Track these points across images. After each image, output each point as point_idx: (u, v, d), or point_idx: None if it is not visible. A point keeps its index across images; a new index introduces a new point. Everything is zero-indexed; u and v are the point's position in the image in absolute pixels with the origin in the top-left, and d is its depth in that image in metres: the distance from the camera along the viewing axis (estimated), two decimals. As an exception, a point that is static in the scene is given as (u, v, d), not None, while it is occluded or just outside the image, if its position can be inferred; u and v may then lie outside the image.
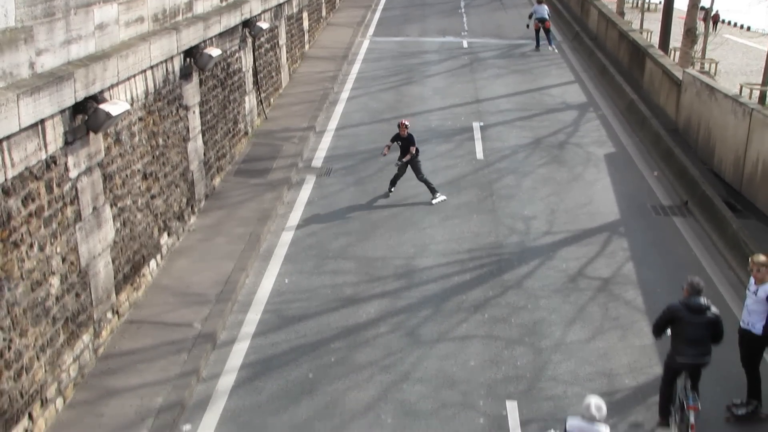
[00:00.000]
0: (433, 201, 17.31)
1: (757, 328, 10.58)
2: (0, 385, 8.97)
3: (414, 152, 17.17)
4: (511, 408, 10.99)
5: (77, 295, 10.86)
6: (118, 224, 12.23)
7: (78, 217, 10.89)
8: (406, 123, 17.30)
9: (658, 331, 10.57)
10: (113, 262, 12.04)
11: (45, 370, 9.97)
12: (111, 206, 11.94)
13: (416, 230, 16.18)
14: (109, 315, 11.91)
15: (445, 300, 13.71)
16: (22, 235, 9.45)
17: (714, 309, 10.24)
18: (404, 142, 17.25)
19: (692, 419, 9.87)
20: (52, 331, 10.15)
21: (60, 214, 10.40)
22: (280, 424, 10.59)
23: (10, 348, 9.17)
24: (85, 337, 11.11)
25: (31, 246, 9.68)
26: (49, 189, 10.13)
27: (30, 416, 9.65)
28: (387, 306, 13.47)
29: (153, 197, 13.65)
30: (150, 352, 11.69)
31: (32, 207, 9.72)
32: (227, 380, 11.46)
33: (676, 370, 10.39)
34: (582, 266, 14.88)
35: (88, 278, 11.21)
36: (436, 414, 10.88)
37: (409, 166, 17.40)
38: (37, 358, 9.79)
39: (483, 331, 12.81)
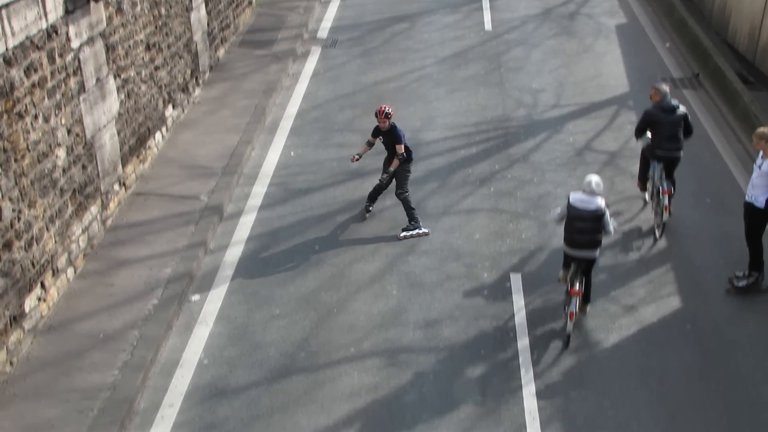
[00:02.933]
0: (402, 234, 11.98)
1: (760, 202, 10.60)
2: (12, 254, 9.10)
3: (401, 155, 11.75)
4: (515, 280, 11.15)
5: (84, 167, 10.87)
6: (123, 96, 12.12)
7: (82, 88, 10.79)
8: (386, 110, 11.59)
9: (639, 133, 12.31)
10: (119, 134, 12.00)
11: (55, 241, 10.09)
12: (115, 77, 11.81)
13: (423, 103, 16.03)
14: (116, 187, 11.96)
15: (451, 173, 13.71)
16: (26, 106, 9.39)
17: (683, 107, 11.99)
18: (387, 137, 11.89)
19: (666, 201, 11.73)
20: (60, 203, 10.21)
21: (63, 85, 10.30)
22: (286, 295, 10.78)
23: (19, 219, 9.25)
24: (93, 209, 11.19)
25: (36, 117, 9.63)
26: (51, 59, 9.99)
27: (42, 285, 9.83)
28: (393, 179, 13.48)
29: (157, 68, 13.49)
30: (158, 224, 11.79)
31: (35, 77, 9.61)
32: (235, 252, 11.60)
33: (654, 160, 12.13)
34: (589, 140, 14.80)
35: (94, 150, 11.20)
36: (440, 286, 11.04)
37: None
38: (47, 228, 9.89)
39: (488, 204, 12.86)
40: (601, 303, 10.77)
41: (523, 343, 10.08)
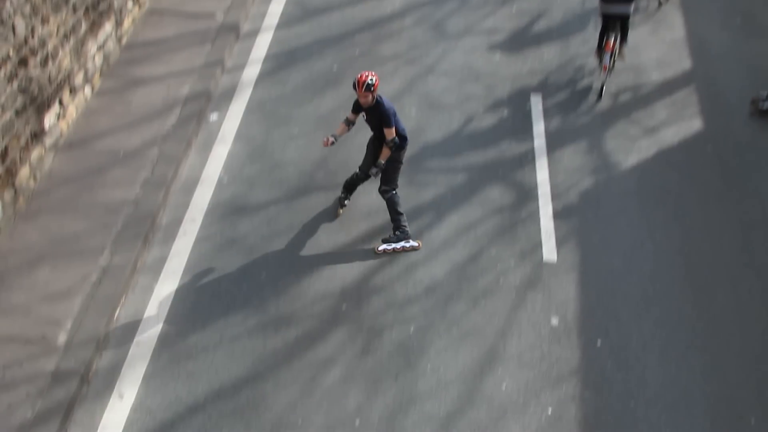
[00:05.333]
0: (381, 247, 8.97)
1: None
2: (28, 71, 9.03)
3: (392, 142, 8.49)
4: (535, 101, 11.02)
5: (96, -18, 10.62)
6: None
7: None
8: (368, 79, 8.27)
9: None
10: (130, -52, 11.64)
11: (70, 59, 9.98)
12: None
13: None
14: (130, 4, 11.70)
15: (473, -8, 13.33)
16: None
17: None
18: (371, 116, 8.60)
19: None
20: (74, 20, 10.03)
21: None
22: (304, 115, 10.73)
23: (33, 35, 9.12)
24: (108, 26, 11.00)
25: (44, -71, 9.31)
26: None
27: (60, 102, 9.81)
28: (413, -2, 13.14)
29: None
30: (173, 43, 11.61)
31: None
32: (252, 71, 11.46)
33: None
34: (617, -42, 14.23)
35: (106, -35, 10.90)
36: (459, 107, 10.94)
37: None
38: (62, 46, 9.76)
39: (510, 24, 12.54)
40: (621, 125, 10.69)
41: (541, 163, 10.08)
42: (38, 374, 7.26)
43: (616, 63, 10.99)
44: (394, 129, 8.45)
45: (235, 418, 7.23)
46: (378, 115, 8.48)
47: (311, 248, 8.92)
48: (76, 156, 9.69)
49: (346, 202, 9.44)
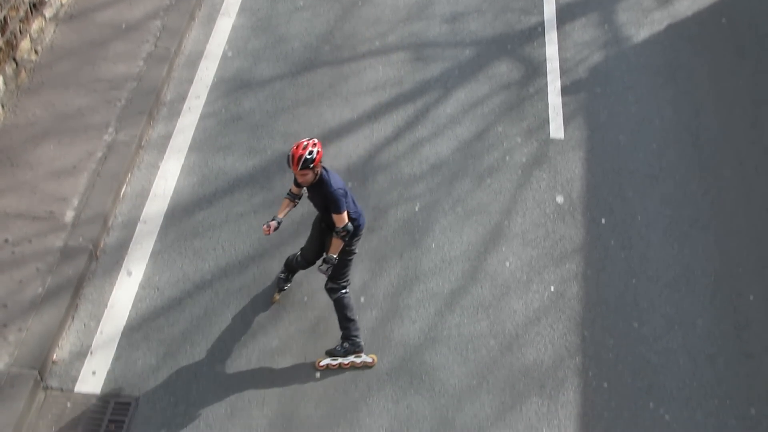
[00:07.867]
0: (323, 362, 6.92)
1: None
2: (23, -60, 8.79)
3: (343, 230, 6.33)
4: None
5: None
6: None
7: None
8: (306, 153, 6.07)
9: None
10: None
11: (67, -74, 9.68)
12: None
13: None
14: None
15: None
16: None
17: None
18: (315, 195, 6.43)
19: None
20: None
21: None
22: (310, -15, 10.49)
23: None
24: None
25: None
26: None
27: (59, -27, 9.59)
28: None
29: None
30: None
31: None
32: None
33: None
34: None
35: None
36: (469, -24, 10.67)
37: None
38: None
39: None
40: (634, -4, 10.43)
41: (551, 38, 9.87)
42: (47, 251, 7.37)
43: None
44: (345, 214, 6.31)
45: (242, 294, 7.37)
46: (322, 196, 6.32)
47: (317, 123, 8.86)
48: (77, 28, 9.52)
49: (286, 285, 7.38)
